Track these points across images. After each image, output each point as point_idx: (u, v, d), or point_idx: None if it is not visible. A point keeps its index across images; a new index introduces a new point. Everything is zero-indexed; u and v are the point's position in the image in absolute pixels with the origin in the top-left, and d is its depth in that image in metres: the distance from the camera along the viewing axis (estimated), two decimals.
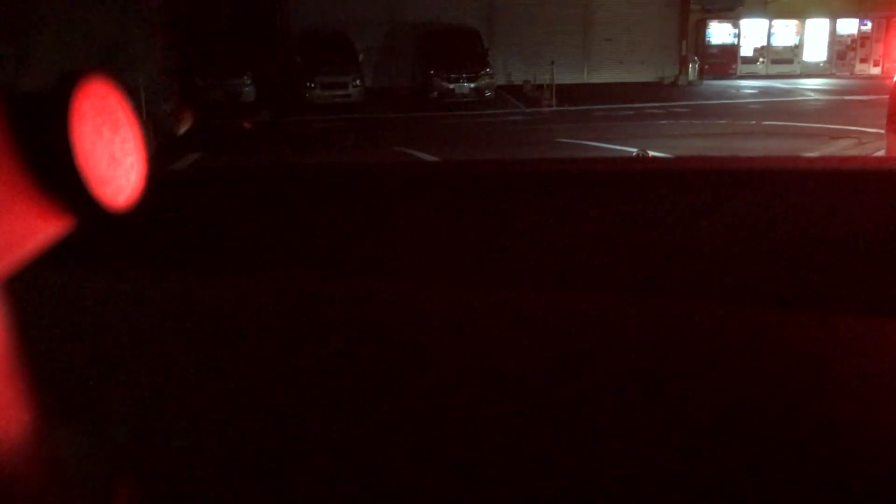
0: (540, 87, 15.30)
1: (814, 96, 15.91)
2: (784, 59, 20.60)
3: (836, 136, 9.45)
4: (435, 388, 0.60)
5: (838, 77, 19.94)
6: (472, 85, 15.24)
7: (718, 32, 20.29)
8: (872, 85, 15.47)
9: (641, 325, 0.70)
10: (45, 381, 0.33)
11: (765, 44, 20.56)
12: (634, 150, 6.99)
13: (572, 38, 18.78)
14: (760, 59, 20.61)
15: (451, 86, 15.18)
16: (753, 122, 11.56)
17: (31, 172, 0.29)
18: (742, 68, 20.32)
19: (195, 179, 1.07)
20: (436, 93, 15.18)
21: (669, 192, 0.85)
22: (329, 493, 0.47)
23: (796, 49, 20.73)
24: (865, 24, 20.53)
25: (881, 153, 6.33)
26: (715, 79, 19.31)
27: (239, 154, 9.38)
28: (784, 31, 20.52)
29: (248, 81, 15.19)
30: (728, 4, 19.88)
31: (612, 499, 0.46)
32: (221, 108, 14.15)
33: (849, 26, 20.62)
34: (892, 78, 5.77)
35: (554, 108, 14.23)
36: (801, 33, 20.67)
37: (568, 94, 14.88)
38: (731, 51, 20.38)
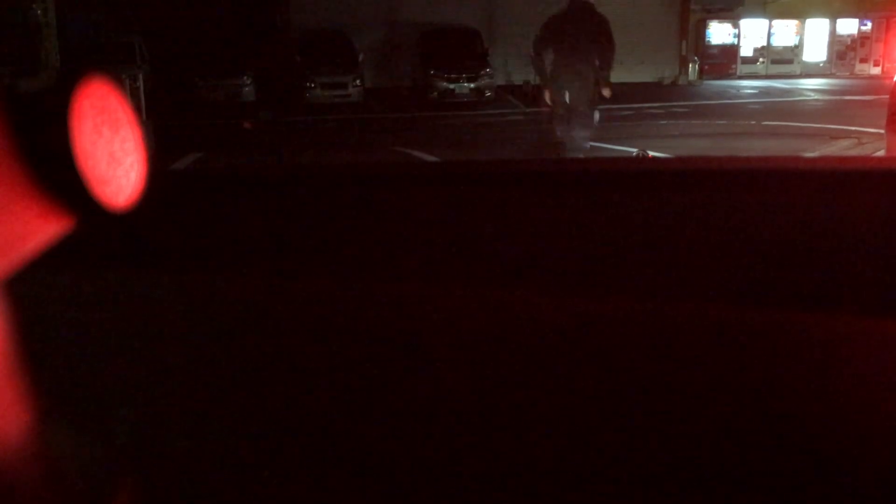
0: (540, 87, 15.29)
1: (814, 96, 15.91)
2: (784, 60, 20.59)
3: (836, 136, 9.44)
4: (434, 388, 0.60)
5: (838, 77, 19.94)
6: (472, 85, 15.23)
7: (718, 32, 20.28)
8: (872, 85, 15.45)
9: (641, 325, 0.70)
10: (45, 381, 0.33)
11: (765, 44, 20.55)
12: (634, 150, 6.99)
13: None
14: (760, 60, 20.60)
15: (451, 86, 15.18)
16: (753, 123, 11.55)
17: (31, 172, 0.29)
18: (742, 68, 20.32)
19: (195, 179, 1.07)
20: (436, 93, 15.17)
21: (669, 192, 0.85)
22: (329, 492, 0.47)
23: (796, 49, 20.72)
24: (865, 25, 20.51)
25: (881, 153, 6.33)
26: (715, 79, 19.30)
27: (239, 154, 9.38)
28: (784, 32, 20.51)
29: (248, 81, 15.20)
30: (728, 4, 19.88)
31: (610, 497, 0.46)
32: (221, 107, 14.17)
33: (849, 26, 20.61)
34: (892, 78, 5.76)
35: None
36: (800, 33, 20.67)
37: None
38: (730, 51, 20.37)
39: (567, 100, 4.95)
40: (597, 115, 5.25)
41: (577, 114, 5.04)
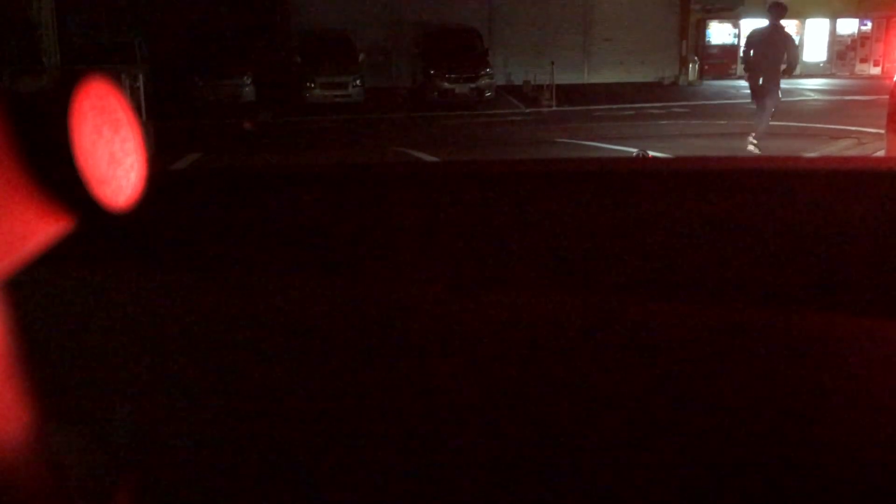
0: (540, 87, 15.29)
1: (814, 96, 15.90)
2: None
3: (836, 136, 9.45)
4: (433, 387, 0.60)
5: (838, 77, 19.93)
6: (472, 85, 15.23)
7: (718, 32, 20.27)
8: (872, 85, 15.45)
9: (640, 326, 0.70)
10: (45, 381, 0.33)
11: None
12: (634, 150, 6.99)
13: (572, 38, 18.77)
14: None
15: (451, 86, 15.18)
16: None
17: (31, 172, 0.29)
18: (742, 68, 20.31)
19: (195, 179, 1.07)
20: (436, 93, 15.18)
21: (669, 192, 0.85)
22: (328, 492, 0.47)
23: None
24: (865, 24, 20.51)
25: (881, 153, 6.34)
26: (715, 79, 19.29)
27: (239, 154, 9.39)
28: None
29: (248, 81, 15.20)
30: (728, 4, 19.87)
31: (609, 496, 0.46)
32: (221, 108, 14.17)
33: (849, 26, 20.60)
34: (892, 78, 5.80)
35: (554, 108, 14.23)
36: (801, 33, 20.65)
37: (568, 94, 14.87)
38: (731, 51, 20.34)
39: (761, 82, 8.41)
40: (779, 93, 8.61)
41: (767, 90, 8.43)
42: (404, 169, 1.33)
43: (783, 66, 8.57)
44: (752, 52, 8.73)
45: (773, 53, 8.44)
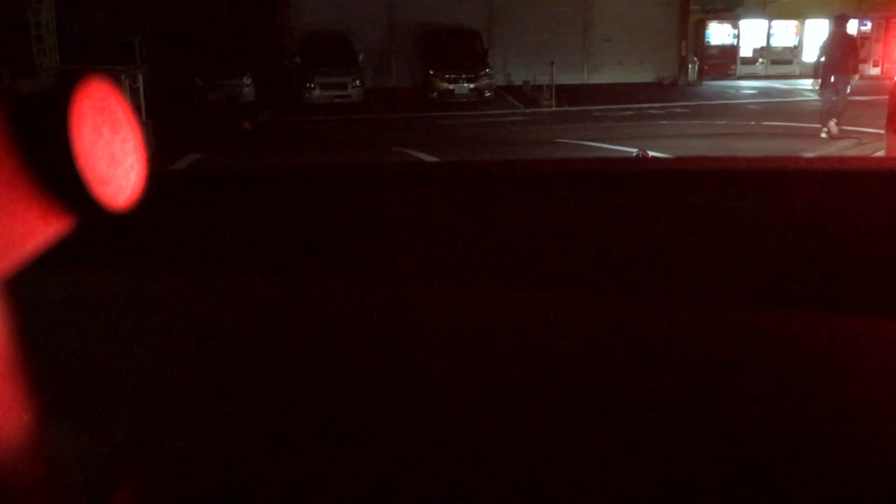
0: (540, 87, 15.30)
1: (814, 97, 15.90)
2: (783, 60, 20.59)
3: (835, 136, 9.47)
4: (433, 388, 0.60)
5: None
6: (472, 85, 15.24)
7: (718, 33, 20.28)
8: (872, 85, 15.46)
9: (641, 326, 0.70)
10: (45, 381, 0.33)
11: (764, 44, 20.56)
12: (634, 151, 7.00)
13: (572, 38, 18.79)
14: (760, 60, 20.59)
15: (451, 86, 15.18)
16: (753, 123, 11.57)
17: (31, 172, 0.29)
18: (741, 69, 20.31)
19: (195, 179, 1.07)
20: (436, 93, 15.18)
21: (669, 192, 0.85)
22: (329, 493, 0.47)
23: (796, 49, 20.72)
24: (865, 25, 20.51)
25: (881, 153, 6.35)
26: (714, 79, 19.31)
27: (239, 154, 9.40)
28: (783, 32, 20.50)
29: (248, 81, 15.21)
30: (728, 5, 19.89)
31: (609, 497, 0.46)
32: (221, 108, 14.17)
33: (848, 27, 20.61)
34: (892, 78, 5.83)
35: (554, 109, 14.24)
36: (800, 34, 20.67)
37: (568, 94, 14.88)
38: (730, 51, 20.37)
39: (832, 80, 9.69)
40: (848, 89, 9.82)
41: (838, 87, 9.68)
42: (404, 169, 1.33)
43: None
44: (823, 55, 10.29)
45: (841, 54, 10.05)
